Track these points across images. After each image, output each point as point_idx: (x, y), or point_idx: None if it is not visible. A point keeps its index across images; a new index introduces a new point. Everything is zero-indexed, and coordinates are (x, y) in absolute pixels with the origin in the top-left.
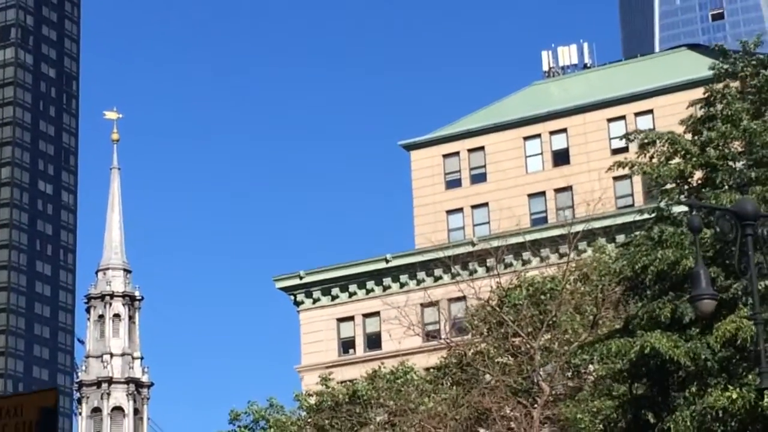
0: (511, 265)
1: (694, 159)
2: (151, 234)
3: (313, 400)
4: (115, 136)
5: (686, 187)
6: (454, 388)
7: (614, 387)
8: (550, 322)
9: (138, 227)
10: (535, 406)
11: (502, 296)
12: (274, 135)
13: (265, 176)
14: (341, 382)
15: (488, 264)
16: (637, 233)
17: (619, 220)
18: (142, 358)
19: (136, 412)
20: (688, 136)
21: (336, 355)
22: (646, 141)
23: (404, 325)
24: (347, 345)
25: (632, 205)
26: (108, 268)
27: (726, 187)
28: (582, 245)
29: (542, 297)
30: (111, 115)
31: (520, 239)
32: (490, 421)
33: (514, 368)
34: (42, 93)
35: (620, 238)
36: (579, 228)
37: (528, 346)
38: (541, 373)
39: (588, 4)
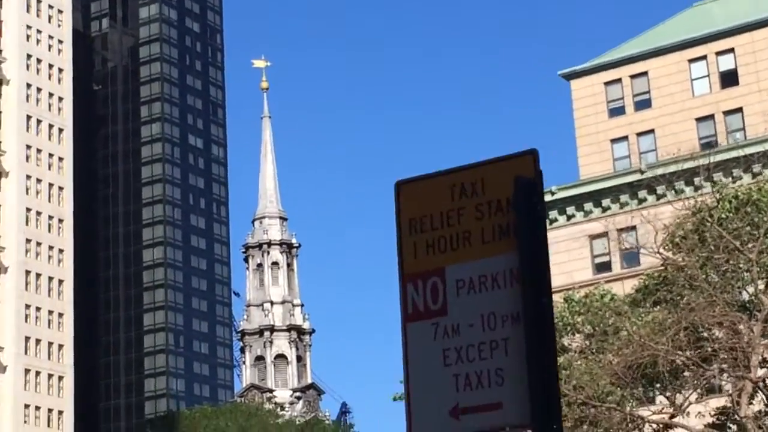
0: (683, 191)
1: None
2: (305, 181)
3: None
4: (264, 85)
5: None
6: (657, 307)
7: None
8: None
9: (291, 175)
10: (756, 320)
11: (706, 211)
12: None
13: (421, 110)
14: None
15: (658, 192)
16: None
17: None
18: (302, 306)
19: (299, 359)
20: None
21: None
22: None
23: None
24: None
25: None
26: (264, 217)
27: None
28: (756, 168)
29: (748, 209)
30: (259, 63)
31: (692, 164)
32: (705, 340)
33: (720, 286)
34: (187, 48)
35: None
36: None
37: (736, 261)
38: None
39: None
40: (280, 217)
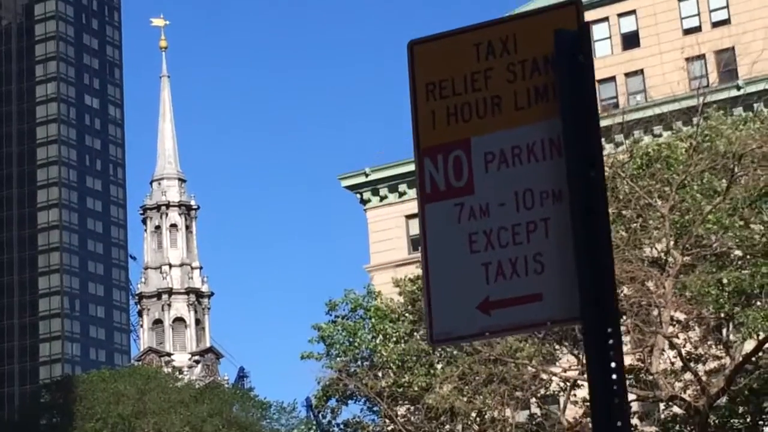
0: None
1: None
2: (204, 142)
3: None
4: (163, 43)
5: None
6: None
7: (749, 260)
8: (669, 191)
9: (191, 136)
10: (668, 276)
11: (618, 166)
12: (332, 31)
13: (324, 71)
14: (412, 280)
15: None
16: None
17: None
18: (201, 268)
19: (198, 322)
20: None
21: (405, 253)
22: None
23: None
24: (417, 243)
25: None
26: (162, 178)
27: None
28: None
29: (658, 166)
30: (158, 22)
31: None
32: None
33: (631, 242)
34: (83, 6)
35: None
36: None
37: (646, 217)
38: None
39: None
40: (179, 179)
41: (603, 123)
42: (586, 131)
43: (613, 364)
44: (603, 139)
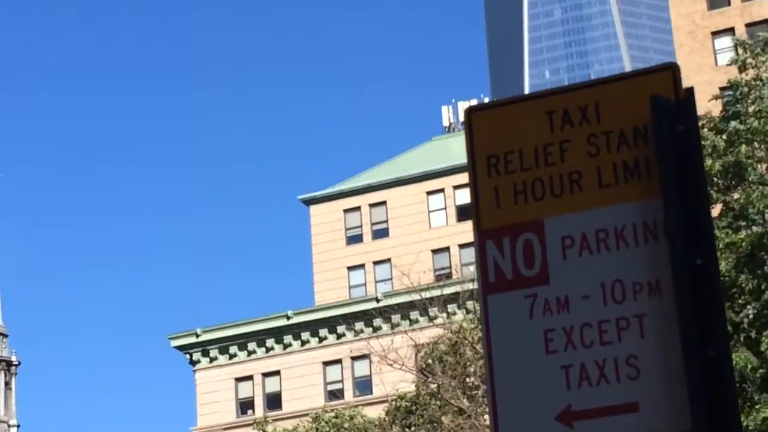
0: (417, 321)
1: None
2: (29, 296)
3: None
4: None
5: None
6: (412, 429)
7: None
8: None
9: (15, 289)
10: None
11: (459, 334)
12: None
13: (156, 232)
14: None
15: (393, 321)
16: None
17: None
18: (18, 426)
19: None
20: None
21: (234, 416)
22: None
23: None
24: (246, 405)
25: None
26: None
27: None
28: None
29: None
30: None
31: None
32: None
33: (474, 410)
34: None
35: None
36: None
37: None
38: None
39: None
40: (1, 333)
41: (453, 289)
42: (694, 213)
43: None
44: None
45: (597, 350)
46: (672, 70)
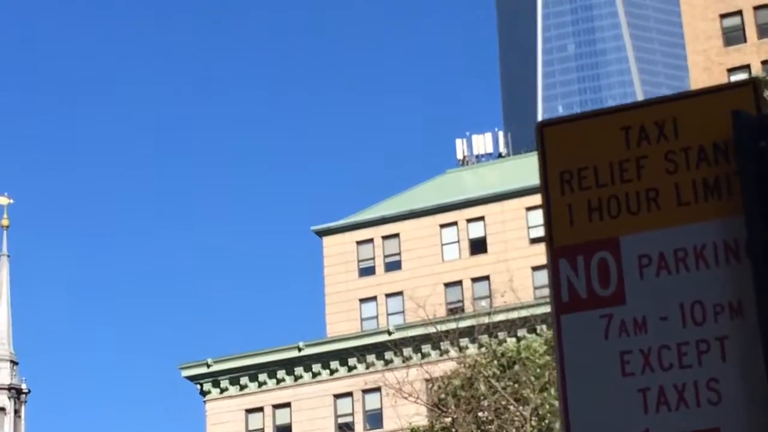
0: (429, 354)
1: None
2: (40, 324)
3: None
4: (5, 222)
5: None
6: None
7: None
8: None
9: (26, 317)
10: None
11: (474, 369)
12: (179, 222)
13: (168, 261)
14: None
15: (405, 354)
16: None
17: (539, 311)
18: None
19: None
20: None
21: None
22: None
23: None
24: None
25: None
26: None
27: None
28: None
29: (516, 368)
30: (2, 200)
31: (441, 327)
32: None
33: None
34: None
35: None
36: (498, 318)
37: (504, 419)
38: None
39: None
40: (11, 361)
41: (466, 323)
42: None
43: None
44: (467, 339)
45: (676, 373)
46: (753, 85)
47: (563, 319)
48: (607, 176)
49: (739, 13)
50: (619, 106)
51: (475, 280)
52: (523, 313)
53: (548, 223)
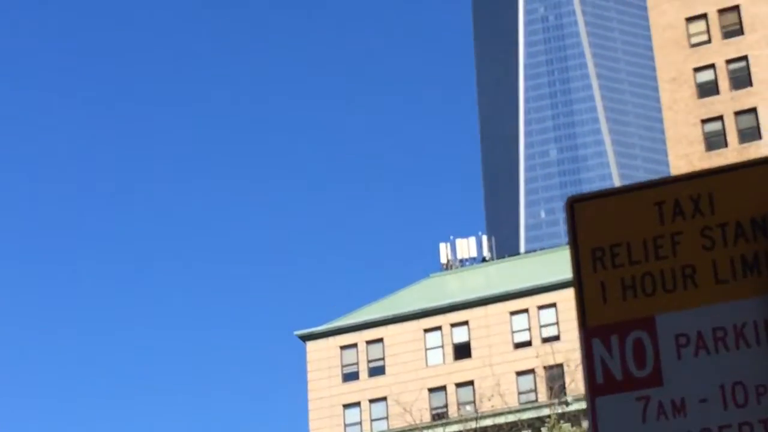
0: None
1: None
2: None
3: None
4: None
5: None
6: None
7: None
8: None
9: None
10: None
11: None
12: (158, 323)
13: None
14: None
15: None
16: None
17: (525, 416)
18: None
19: None
20: None
21: None
22: None
23: None
24: None
25: (535, 401)
26: None
27: None
28: None
29: None
30: None
31: None
32: None
33: None
34: None
35: None
36: (485, 423)
37: None
38: None
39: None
40: None
41: (453, 428)
42: None
43: None
44: None
45: None
46: None
47: (598, 401)
48: (641, 253)
49: (720, 118)
50: (652, 180)
51: (459, 385)
52: (510, 417)
53: (580, 302)
